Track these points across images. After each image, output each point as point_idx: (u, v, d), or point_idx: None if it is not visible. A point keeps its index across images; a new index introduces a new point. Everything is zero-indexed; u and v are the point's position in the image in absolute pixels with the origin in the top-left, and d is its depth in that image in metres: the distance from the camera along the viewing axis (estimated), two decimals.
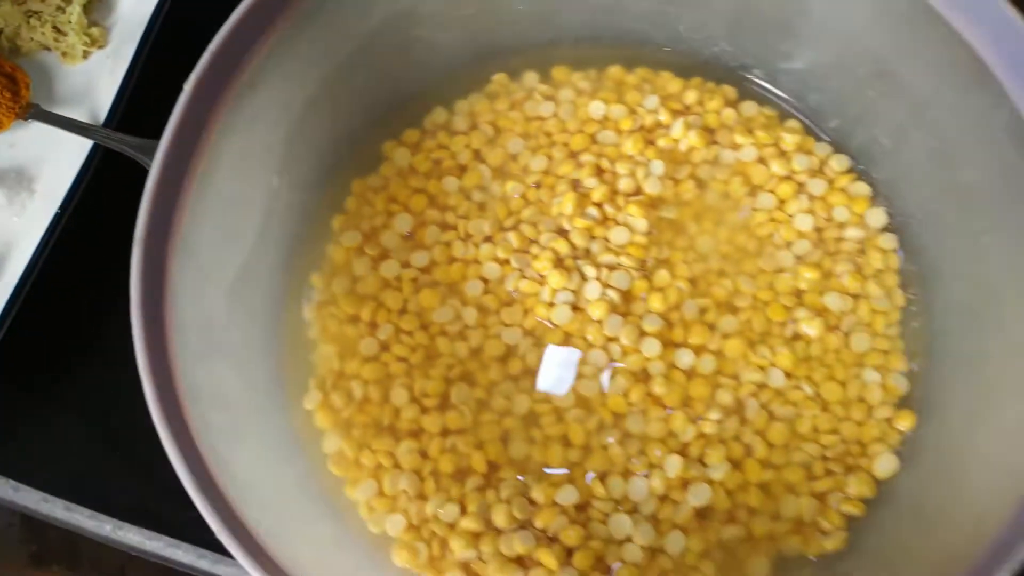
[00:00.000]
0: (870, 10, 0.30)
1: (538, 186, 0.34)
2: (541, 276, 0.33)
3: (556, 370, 0.32)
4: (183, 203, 0.27)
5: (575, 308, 0.32)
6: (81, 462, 0.37)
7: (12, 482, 0.36)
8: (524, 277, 0.33)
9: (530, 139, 0.35)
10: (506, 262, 0.33)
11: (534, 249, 0.33)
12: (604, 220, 0.34)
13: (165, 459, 0.24)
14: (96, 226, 0.36)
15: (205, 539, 0.34)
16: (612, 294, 0.32)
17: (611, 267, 0.33)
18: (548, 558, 0.29)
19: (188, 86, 0.26)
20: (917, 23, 0.28)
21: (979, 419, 0.29)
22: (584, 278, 0.33)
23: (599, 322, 0.32)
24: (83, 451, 0.37)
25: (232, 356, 0.29)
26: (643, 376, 0.32)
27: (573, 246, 0.33)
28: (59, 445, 0.37)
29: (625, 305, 0.33)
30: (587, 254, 0.33)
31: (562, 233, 0.33)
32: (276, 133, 0.31)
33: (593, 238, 0.33)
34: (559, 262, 0.33)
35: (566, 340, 0.32)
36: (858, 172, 0.34)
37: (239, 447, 0.27)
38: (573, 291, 0.32)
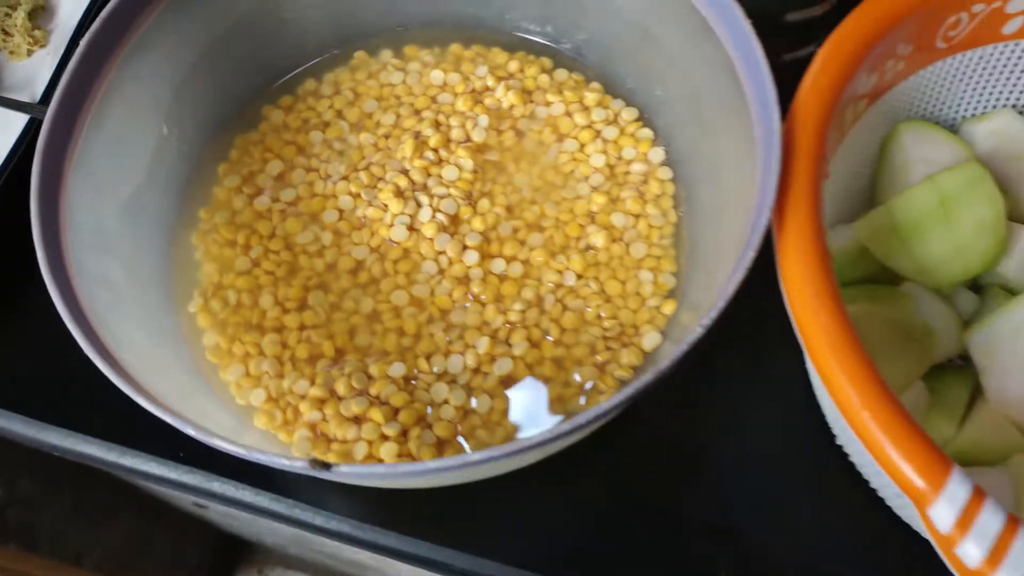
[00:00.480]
0: None
1: (387, 137, 0.42)
2: (384, 205, 0.40)
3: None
4: (76, 136, 0.34)
5: (412, 229, 0.40)
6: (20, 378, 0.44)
7: None
8: (371, 206, 0.41)
9: (383, 101, 0.43)
10: (357, 195, 0.41)
11: (381, 185, 0.41)
12: (439, 161, 0.42)
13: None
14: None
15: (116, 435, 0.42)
16: (441, 217, 0.40)
17: (442, 197, 0.41)
18: (377, 415, 0.36)
19: (82, 43, 0.34)
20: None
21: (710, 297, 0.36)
22: (419, 205, 0.40)
23: (431, 239, 0.40)
24: (20, 369, 0.44)
25: (124, 260, 0.36)
26: (465, 280, 0.39)
27: (412, 181, 0.41)
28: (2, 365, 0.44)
29: (453, 226, 0.40)
30: (424, 188, 0.41)
31: (404, 172, 0.41)
32: (163, 91, 0.39)
33: (429, 175, 0.41)
34: (399, 193, 0.41)
35: (404, 254, 0.40)
36: (644, 120, 0.43)
37: (126, 326, 0.34)
38: (410, 215, 0.40)
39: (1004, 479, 0.34)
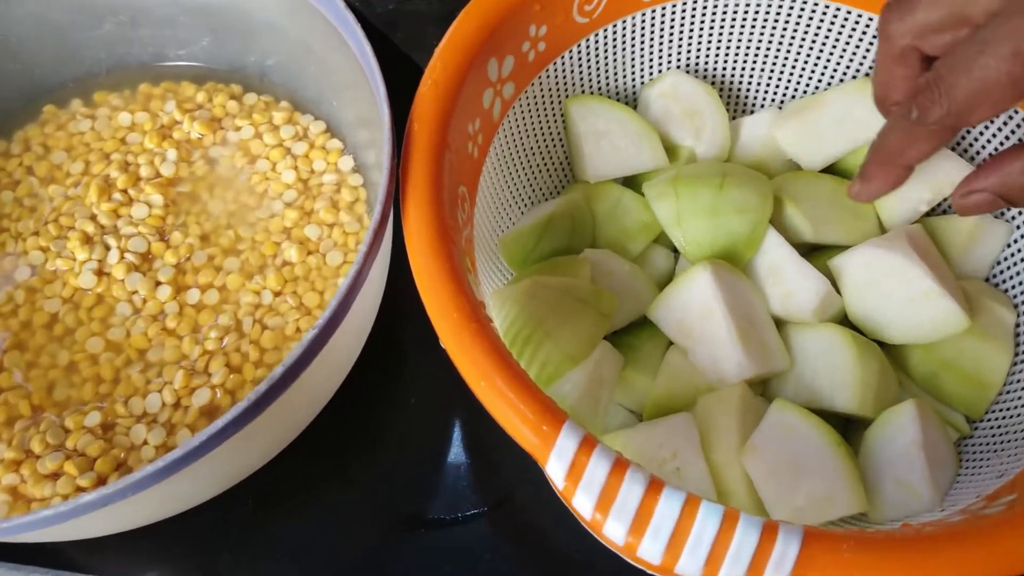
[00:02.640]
0: (288, 14, 0.40)
1: (77, 185, 0.42)
2: (72, 253, 0.40)
3: None
4: None
5: (102, 273, 0.40)
6: None
7: None
8: (60, 257, 0.40)
9: (72, 151, 0.43)
10: (47, 249, 0.40)
11: (69, 234, 0.40)
12: (128, 202, 0.41)
13: None
14: None
15: None
16: (130, 257, 0.40)
17: (131, 236, 0.40)
18: (71, 468, 0.35)
19: None
20: (315, 17, 0.37)
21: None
22: (107, 248, 0.40)
23: (122, 280, 0.39)
24: None
25: None
26: (160, 316, 0.39)
27: (101, 226, 0.41)
28: None
29: (145, 264, 0.40)
30: (113, 230, 0.41)
31: (92, 218, 0.41)
32: None
33: (119, 217, 0.41)
34: (87, 240, 0.40)
35: (98, 300, 0.39)
36: (333, 132, 0.43)
37: None
38: (99, 260, 0.40)
39: (688, 421, 0.35)
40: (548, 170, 0.43)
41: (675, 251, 0.40)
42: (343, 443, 0.40)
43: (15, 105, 0.44)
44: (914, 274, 0.34)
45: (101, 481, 0.36)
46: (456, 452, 0.41)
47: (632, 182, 0.42)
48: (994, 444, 0.34)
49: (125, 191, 0.41)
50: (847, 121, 0.40)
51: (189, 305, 0.39)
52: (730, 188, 0.37)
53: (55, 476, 0.36)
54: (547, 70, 0.40)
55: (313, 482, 0.40)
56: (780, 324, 0.37)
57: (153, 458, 0.36)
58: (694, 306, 0.35)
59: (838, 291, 0.36)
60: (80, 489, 0.35)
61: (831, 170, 0.41)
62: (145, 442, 0.36)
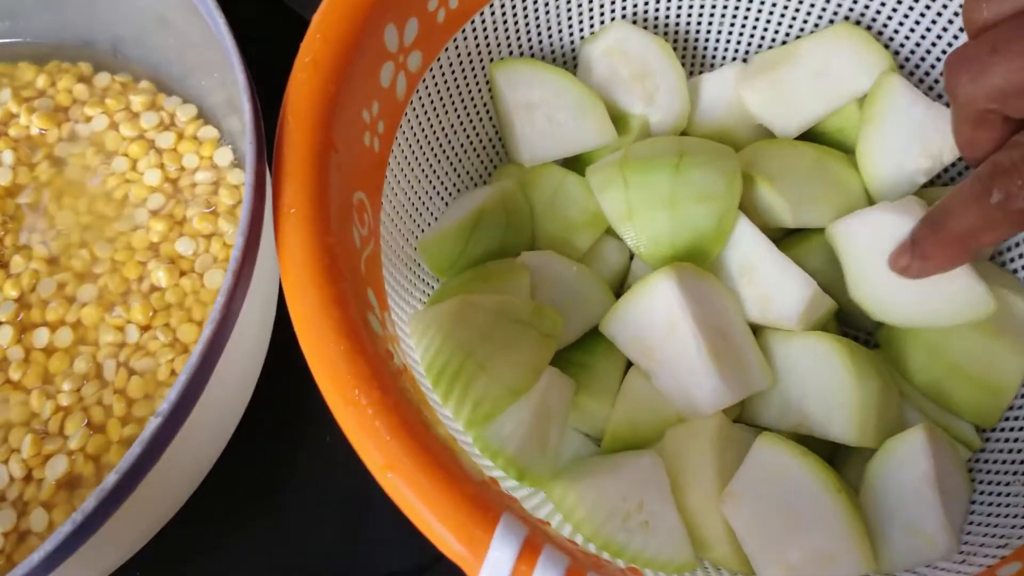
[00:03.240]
0: None
1: None
2: None
3: None
4: None
5: None
6: None
7: None
8: None
9: None
10: None
11: None
12: None
13: None
14: None
15: None
16: None
17: None
18: None
19: None
20: None
21: None
22: None
23: None
24: None
25: None
26: (3, 364, 0.32)
27: None
28: None
29: None
30: None
31: None
32: None
33: None
34: None
35: None
36: (206, 117, 0.35)
37: None
38: None
39: (655, 465, 0.29)
40: (475, 151, 0.35)
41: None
42: (242, 494, 0.34)
43: None
44: None
45: None
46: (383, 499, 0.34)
47: (576, 162, 0.35)
48: (1010, 460, 0.29)
49: None
50: (826, 76, 0.33)
51: (37, 349, 0.32)
52: (689, 169, 0.30)
53: None
54: (464, 31, 0.32)
55: (212, 543, 0.33)
56: (759, 330, 0.31)
57: (2, 547, 0.29)
58: (656, 321, 0.29)
59: (823, 291, 0.30)
60: None
61: (809, 136, 0.34)
62: None
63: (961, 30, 0.32)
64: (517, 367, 0.29)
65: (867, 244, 0.29)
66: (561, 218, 0.33)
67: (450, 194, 0.34)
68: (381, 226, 0.29)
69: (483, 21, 0.32)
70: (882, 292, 0.30)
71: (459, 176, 0.35)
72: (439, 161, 0.34)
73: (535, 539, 0.21)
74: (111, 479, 0.21)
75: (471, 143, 0.35)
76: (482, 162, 0.36)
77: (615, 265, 0.34)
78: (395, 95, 0.30)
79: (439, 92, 0.32)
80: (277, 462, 0.34)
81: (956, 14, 0.32)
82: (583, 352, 0.32)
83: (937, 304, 0.28)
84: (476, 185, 0.36)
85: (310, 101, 0.26)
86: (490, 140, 0.36)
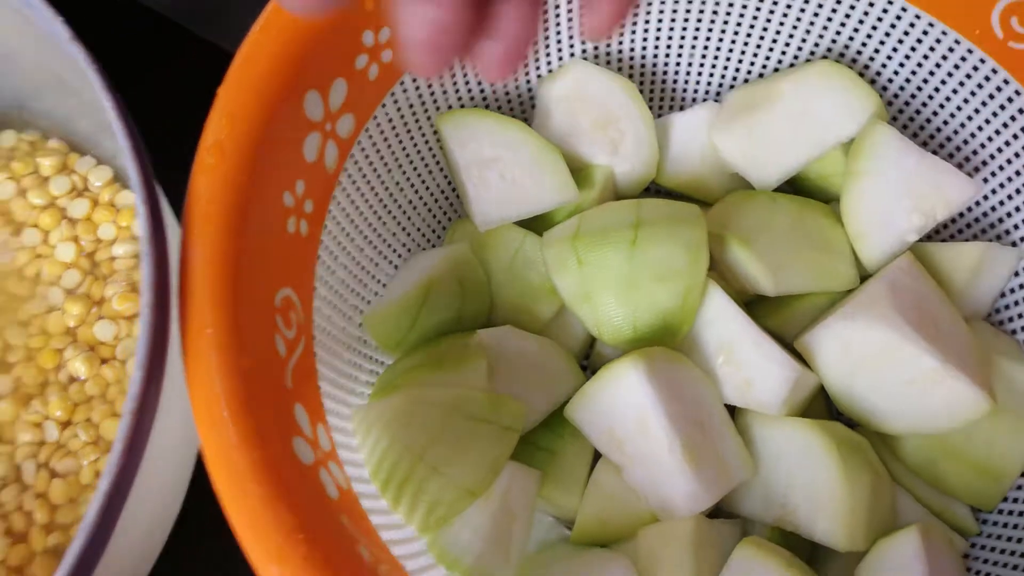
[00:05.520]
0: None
1: None
2: None
3: None
4: None
5: None
6: None
7: None
8: None
9: None
10: None
11: None
12: None
13: None
14: None
15: None
16: None
17: None
18: None
19: None
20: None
21: None
22: None
23: None
24: None
25: None
26: None
27: None
28: None
29: None
30: None
31: None
32: None
33: None
34: None
35: None
36: (121, 180, 0.32)
37: None
38: None
39: (627, 569, 0.26)
40: (426, 206, 0.32)
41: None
42: None
43: None
44: (910, 352, 0.26)
45: None
46: None
47: (536, 221, 0.31)
48: (1009, 550, 0.27)
49: None
50: (808, 120, 0.30)
51: None
52: (647, 244, 0.27)
53: None
54: (403, 82, 0.29)
55: None
56: (738, 411, 0.28)
57: None
58: (625, 414, 0.26)
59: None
60: None
61: (790, 185, 0.31)
62: None
63: (956, 66, 0.29)
64: (474, 467, 0.26)
65: (839, 358, 0.27)
66: (521, 284, 0.30)
67: (400, 256, 0.31)
68: (315, 313, 0.26)
69: (411, 82, 0.29)
70: (868, 404, 0.27)
71: (409, 235, 0.32)
72: (384, 224, 0.30)
73: None
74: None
75: (420, 199, 0.32)
76: (435, 217, 0.33)
77: (580, 335, 0.31)
78: (324, 167, 0.27)
79: (379, 152, 0.29)
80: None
81: (951, 49, 0.29)
82: (550, 434, 0.29)
83: (929, 410, 0.26)
84: (430, 242, 0.33)
85: (218, 195, 0.23)
86: (442, 192, 0.33)
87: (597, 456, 0.29)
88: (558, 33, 0.32)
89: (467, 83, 0.31)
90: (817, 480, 0.26)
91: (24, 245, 0.31)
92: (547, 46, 0.32)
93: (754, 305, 0.30)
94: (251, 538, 0.20)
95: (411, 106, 0.30)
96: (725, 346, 0.27)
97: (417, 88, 0.29)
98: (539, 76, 0.32)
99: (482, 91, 0.32)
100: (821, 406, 0.29)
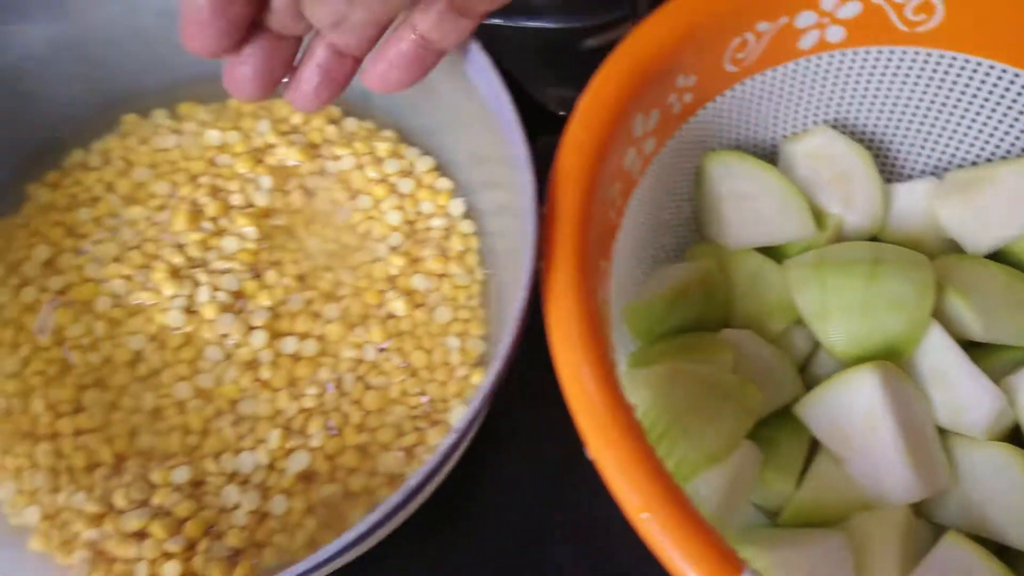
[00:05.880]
0: None
1: (162, 208, 0.39)
2: (157, 287, 0.37)
3: None
4: None
5: (190, 311, 0.36)
6: None
7: None
8: (145, 289, 0.37)
9: (156, 168, 0.39)
10: (130, 278, 0.37)
11: (155, 264, 0.37)
12: (218, 232, 0.38)
13: None
14: None
15: None
16: (222, 295, 0.36)
17: (223, 272, 0.37)
18: (159, 530, 0.33)
19: None
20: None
21: None
22: (197, 284, 0.37)
23: (212, 321, 0.36)
24: None
25: None
26: (253, 364, 0.36)
27: (188, 258, 0.37)
28: None
29: (237, 304, 0.37)
30: (202, 264, 0.37)
31: (179, 247, 0.37)
32: None
33: (208, 248, 0.37)
34: (174, 272, 0.37)
35: (186, 340, 0.36)
36: (443, 170, 0.39)
37: None
38: (187, 296, 0.37)
39: (842, 545, 0.32)
40: (672, 228, 0.39)
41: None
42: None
43: (93, 112, 0.40)
44: None
45: (190, 545, 0.33)
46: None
47: (772, 250, 0.38)
48: None
49: (214, 220, 0.38)
50: (1020, 202, 0.36)
51: (285, 355, 0.36)
52: (884, 279, 0.33)
53: (139, 536, 0.33)
54: (688, 122, 0.36)
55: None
56: (942, 433, 0.33)
57: (246, 523, 0.34)
58: (856, 414, 0.32)
59: None
60: (167, 555, 0.33)
61: (998, 256, 0.37)
62: (237, 505, 0.34)
63: None
64: (717, 436, 0.32)
65: None
66: (758, 301, 0.37)
67: (648, 267, 0.38)
68: (609, 293, 0.33)
69: (703, 115, 0.36)
70: None
71: (655, 250, 0.38)
72: (646, 235, 0.37)
73: None
74: (414, 480, 0.25)
75: (669, 221, 0.39)
76: (676, 239, 0.39)
77: (801, 351, 0.37)
78: (632, 176, 0.34)
79: (660, 174, 0.36)
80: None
81: None
82: (770, 429, 0.35)
83: None
84: (668, 260, 0.39)
85: (575, 182, 0.30)
86: (684, 220, 0.39)
87: (808, 452, 0.35)
88: (808, 107, 0.38)
89: (728, 131, 0.38)
90: (1013, 495, 0.31)
91: (358, 208, 0.39)
92: (795, 114, 0.39)
93: (965, 348, 0.35)
94: (592, 431, 0.26)
95: (687, 142, 0.37)
96: (939, 374, 0.33)
97: (694, 130, 0.36)
98: (783, 136, 0.39)
99: (736, 138, 0.39)
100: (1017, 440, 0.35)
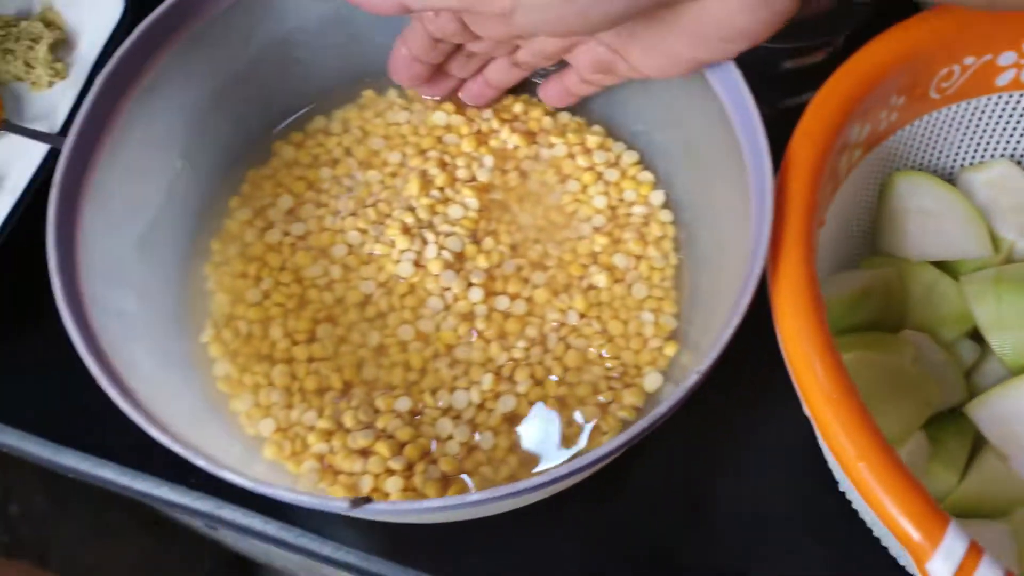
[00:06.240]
0: None
1: (394, 175, 0.43)
2: (392, 241, 0.41)
3: None
4: (93, 168, 0.35)
5: (417, 265, 0.41)
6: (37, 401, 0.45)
7: None
8: (378, 242, 0.42)
9: (390, 140, 0.44)
10: (365, 231, 0.42)
11: (388, 222, 0.42)
12: (445, 200, 0.43)
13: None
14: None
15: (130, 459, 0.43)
16: (447, 254, 0.41)
17: (447, 234, 0.42)
18: (383, 449, 0.37)
19: (97, 82, 0.35)
20: None
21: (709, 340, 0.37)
22: (425, 242, 0.41)
23: (436, 275, 0.41)
24: (39, 391, 0.45)
25: (137, 291, 0.37)
26: (469, 316, 0.40)
27: (418, 219, 0.42)
28: (18, 387, 0.45)
29: (458, 263, 0.41)
30: (430, 225, 0.42)
31: (410, 209, 0.42)
32: (177, 126, 0.40)
33: (435, 213, 0.42)
34: (406, 230, 0.42)
35: (410, 290, 0.41)
36: (645, 164, 0.44)
37: (139, 355, 0.35)
38: (416, 252, 0.41)
39: (1005, 533, 0.35)
40: (848, 239, 0.43)
41: (981, 342, 0.40)
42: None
43: (340, 84, 0.46)
44: None
45: (409, 466, 0.37)
46: None
47: (945, 265, 0.41)
48: None
49: (442, 189, 0.43)
50: None
51: (497, 311, 0.40)
52: None
53: (363, 453, 0.37)
54: (888, 140, 0.40)
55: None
56: None
57: (457, 453, 0.38)
58: None
59: None
60: (389, 471, 0.37)
61: None
62: (451, 436, 0.38)
63: None
64: (898, 422, 0.35)
65: None
66: (932, 311, 0.40)
67: (823, 273, 0.41)
68: None
69: (901, 135, 0.40)
70: None
71: (832, 260, 0.42)
72: (826, 241, 0.41)
73: (977, 546, 0.27)
74: (645, 421, 0.29)
75: (847, 229, 0.42)
76: (851, 249, 0.43)
77: (966, 360, 0.40)
78: (837, 180, 0.37)
79: (853, 184, 0.40)
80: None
81: None
82: (935, 428, 0.38)
83: None
84: (842, 269, 0.43)
85: (804, 174, 0.33)
86: (860, 231, 0.43)
87: (971, 450, 0.38)
88: (991, 140, 0.42)
89: (913, 154, 0.41)
90: None
91: (567, 191, 0.43)
92: (976, 145, 0.42)
93: None
94: (813, 387, 0.30)
95: (880, 159, 0.40)
96: None
97: (888, 148, 0.40)
98: (961, 165, 0.43)
99: (918, 161, 0.42)
100: None
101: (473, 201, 0.42)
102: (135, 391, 0.32)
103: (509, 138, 0.44)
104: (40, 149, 0.47)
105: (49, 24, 0.52)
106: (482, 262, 0.41)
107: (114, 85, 0.36)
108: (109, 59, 0.37)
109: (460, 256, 0.41)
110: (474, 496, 0.28)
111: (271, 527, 0.42)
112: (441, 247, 0.41)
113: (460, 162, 0.43)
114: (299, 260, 0.42)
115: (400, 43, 0.41)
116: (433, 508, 0.28)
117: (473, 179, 0.43)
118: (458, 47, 0.41)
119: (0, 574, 0.74)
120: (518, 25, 0.32)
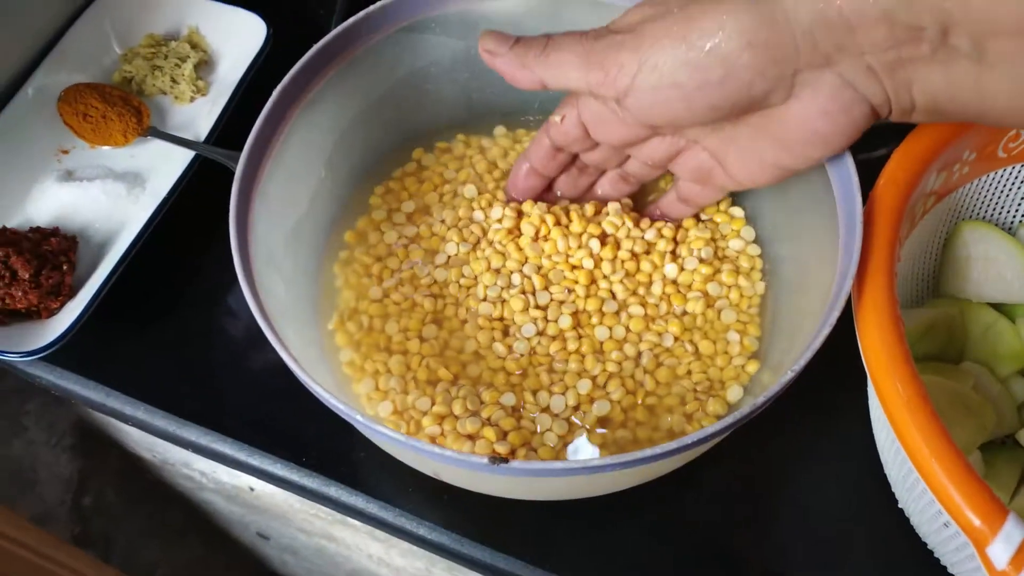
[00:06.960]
0: None
1: (490, 205, 0.48)
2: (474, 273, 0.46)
3: None
4: (263, 168, 0.41)
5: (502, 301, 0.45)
6: (167, 381, 0.50)
7: (108, 389, 0.49)
8: (464, 276, 0.46)
9: (495, 170, 0.50)
10: (471, 249, 0.47)
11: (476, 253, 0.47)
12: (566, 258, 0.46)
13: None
14: (188, 214, 0.51)
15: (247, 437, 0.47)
16: (564, 320, 0.44)
17: (560, 302, 0.45)
18: (490, 434, 0.41)
19: (268, 104, 0.41)
20: None
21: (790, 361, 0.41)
22: (543, 308, 0.45)
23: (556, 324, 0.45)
24: (169, 373, 0.50)
25: (285, 278, 0.42)
26: (560, 337, 0.44)
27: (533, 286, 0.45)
28: (151, 368, 0.50)
29: (573, 319, 0.46)
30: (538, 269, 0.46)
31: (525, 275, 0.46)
32: (326, 142, 0.46)
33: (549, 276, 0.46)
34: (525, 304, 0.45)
35: (501, 310, 0.45)
36: (736, 202, 0.48)
37: (286, 332, 0.39)
38: (502, 288, 0.45)
39: None
40: (913, 278, 0.47)
41: None
42: None
43: (460, 115, 0.51)
44: None
45: (511, 452, 0.41)
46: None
47: (1001, 307, 0.45)
48: None
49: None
50: None
51: (594, 338, 0.44)
52: None
53: (471, 437, 0.42)
54: (957, 192, 0.44)
55: None
56: None
57: (556, 445, 0.42)
58: None
59: None
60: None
61: None
62: (549, 430, 0.42)
63: None
64: (958, 439, 0.39)
65: None
66: (989, 348, 0.44)
67: None
68: None
69: (968, 189, 0.44)
70: None
71: (900, 298, 0.46)
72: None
73: None
74: (760, 400, 0.33)
75: (912, 271, 0.46)
76: (915, 289, 0.47)
77: (1018, 395, 0.43)
78: (913, 223, 0.42)
79: (922, 230, 0.44)
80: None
81: None
82: (989, 452, 0.42)
83: None
84: (908, 307, 0.47)
85: (888, 214, 0.38)
86: (924, 273, 0.47)
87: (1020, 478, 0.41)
88: None
89: (976, 206, 0.46)
90: None
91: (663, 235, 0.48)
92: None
93: None
94: (893, 394, 0.34)
95: (947, 209, 0.45)
96: None
97: (954, 199, 0.45)
98: (1021, 220, 0.47)
99: (979, 213, 0.47)
100: None
101: (589, 262, 0.46)
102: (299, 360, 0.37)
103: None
104: (181, 155, 0.53)
105: (195, 46, 0.59)
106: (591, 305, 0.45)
107: (284, 98, 0.42)
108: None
109: (575, 315, 0.45)
110: (607, 460, 0.32)
111: (372, 506, 0.45)
112: (560, 313, 0.45)
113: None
114: (415, 270, 0.46)
115: (522, 159, 0.45)
116: (565, 469, 0.32)
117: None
118: (572, 161, 0.45)
119: (69, 563, 0.77)
120: (630, 109, 0.36)
